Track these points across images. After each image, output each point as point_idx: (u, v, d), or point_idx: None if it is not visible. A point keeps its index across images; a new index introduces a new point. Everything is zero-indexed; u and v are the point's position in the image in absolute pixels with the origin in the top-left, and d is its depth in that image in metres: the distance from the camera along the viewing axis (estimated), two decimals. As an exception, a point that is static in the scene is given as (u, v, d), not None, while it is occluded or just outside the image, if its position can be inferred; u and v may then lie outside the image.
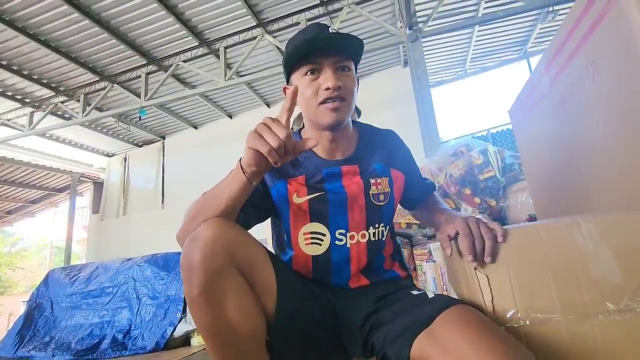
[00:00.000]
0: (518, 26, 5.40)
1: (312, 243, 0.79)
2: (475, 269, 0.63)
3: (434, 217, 0.90)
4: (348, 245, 0.79)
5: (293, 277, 0.76)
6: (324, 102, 0.74)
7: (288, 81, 0.82)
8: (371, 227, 0.81)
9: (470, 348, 0.51)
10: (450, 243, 0.69)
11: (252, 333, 0.64)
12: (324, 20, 4.50)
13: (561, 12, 4.71)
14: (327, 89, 0.73)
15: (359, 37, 0.76)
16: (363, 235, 0.80)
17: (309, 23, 4.29)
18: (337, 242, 0.79)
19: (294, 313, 0.70)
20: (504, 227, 0.64)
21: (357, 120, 0.94)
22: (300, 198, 0.78)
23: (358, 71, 0.84)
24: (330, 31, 0.77)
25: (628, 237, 0.57)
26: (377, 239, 0.81)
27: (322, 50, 0.74)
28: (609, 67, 0.82)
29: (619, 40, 0.76)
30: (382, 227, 0.83)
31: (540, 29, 5.38)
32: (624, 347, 0.54)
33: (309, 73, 0.75)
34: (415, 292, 0.74)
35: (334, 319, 0.76)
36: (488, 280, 0.62)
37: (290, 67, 0.78)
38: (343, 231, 0.79)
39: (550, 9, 4.51)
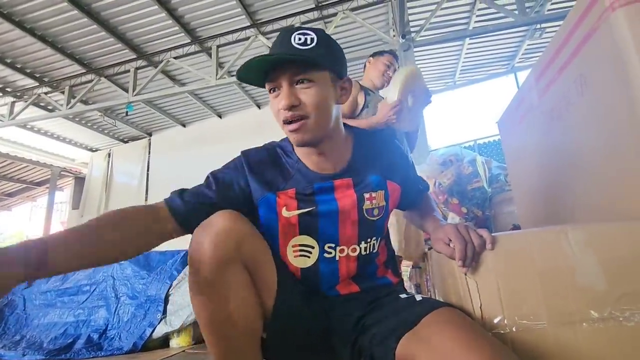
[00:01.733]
0: (507, 41, 5.55)
1: (300, 255, 0.77)
2: (465, 275, 0.63)
3: (424, 223, 0.90)
4: (337, 258, 0.77)
5: (292, 278, 0.76)
6: (284, 122, 0.70)
7: None
8: (363, 242, 0.78)
9: (456, 348, 0.52)
10: (449, 245, 0.67)
11: (249, 328, 0.65)
12: (318, 25, 4.52)
13: (548, 29, 4.86)
14: (282, 108, 0.68)
15: (329, 43, 0.71)
16: (354, 250, 0.77)
17: (304, 24, 4.31)
18: (325, 254, 0.76)
19: (290, 312, 0.70)
20: (492, 234, 0.65)
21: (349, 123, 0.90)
22: (289, 212, 0.74)
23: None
24: (293, 40, 0.69)
25: (613, 247, 0.58)
26: (368, 252, 0.79)
27: (279, 63, 0.68)
28: (598, 81, 0.85)
29: (608, 55, 0.78)
30: (375, 240, 0.80)
31: (528, 45, 5.55)
32: (607, 355, 0.55)
33: (271, 91, 0.71)
34: (403, 296, 0.74)
35: (326, 321, 0.76)
36: (477, 286, 0.62)
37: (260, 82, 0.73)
38: (332, 245, 0.76)
39: (538, 26, 4.65)
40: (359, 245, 0.77)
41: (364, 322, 0.71)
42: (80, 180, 7.92)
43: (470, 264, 0.62)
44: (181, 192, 0.75)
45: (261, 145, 0.83)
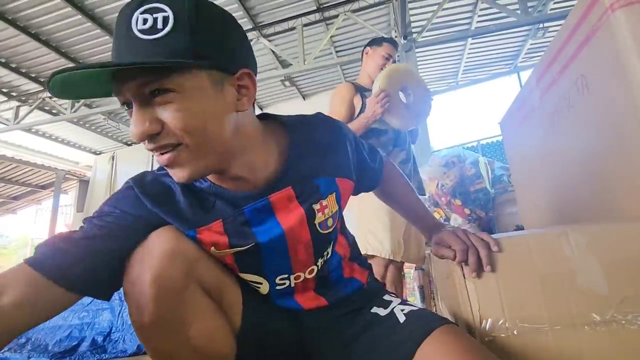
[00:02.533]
0: (509, 41, 5.53)
1: (249, 284, 0.63)
2: (464, 277, 0.63)
3: (410, 218, 0.84)
4: (292, 285, 0.64)
5: (258, 296, 0.65)
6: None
7: None
8: (320, 259, 0.65)
9: None
10: (451, 250, 0.65)
11: (221, 353, 0.56)
12: (320, 27, 4.53)
13: (551, 29, 4.84)
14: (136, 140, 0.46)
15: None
16: (311, 271, 0.64)
17: (306, 28, 4.32)
18: (278, 287, 0.63)
19: (260, 328, 0.62)
20: (493, 236, 0.65)
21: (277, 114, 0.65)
22: (220, 251, 0.56)
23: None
24: (135, 24, 0.43)
25: (615, 249, 0.58)
26: (326, 261, 0.66)
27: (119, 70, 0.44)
28: (598, 82, 0.84)
29: (609, 56, 0.78)
30: (330, 247, 0.66)
31: (531, 44, 5.52)
32: (609, 358, 0.55)
33: (125, 107, 0.47)
34: (382, 313, 0.64)
35: (298, 336, 0.67)
36: (476, 289, 0.62)
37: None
38: (285, 276, 0.62)
39: (541, 25, 4.63)
40: (316, 264, 0.64)
41: (346, 352, 0.63)
42: (84, 183, 7.99)
43: (478, 269, 0.60)
44: (60, 257, 0.49)
45: (158, 169, 0.58)
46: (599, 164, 0.89)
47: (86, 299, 2.69)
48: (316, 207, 0.60)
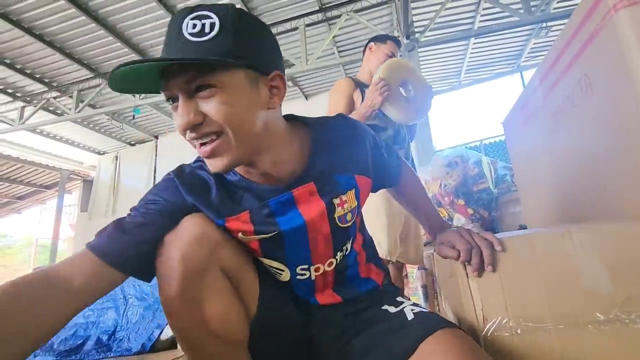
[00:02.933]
0: (512, 40, 5.51)
1: (271, 270, 0.68)
2: (467, 276, 0.63)
3: (418, 216, 0.85)
4: (313, 278, 0.68)
5: (275, 281, 0.69)
6: (193, 144, 0.55)
7: None
8: (339, 253, 0.68)
9: None
10: (455, 250, 0.65)
11: (234, 339, 0.59)
12: (322, 27, 4.54)
13: (554, 28, 4.82)
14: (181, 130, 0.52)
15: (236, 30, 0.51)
16: (330, 264, 0.68)
17: (308, 28, 4.33)
18: (298, 277, 0.67)
19: (274, 318, 0.65)
20: (497, 235, 0.65)
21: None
22: (247, 237, 0.62)
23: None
24: (186, 27, 0.50)
25: (619, 248, 0.58)
26: (344, 255, 0.70)
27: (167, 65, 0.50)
28: (602, 81, 0.84)
29: (612, 56, 0.78)
30: (349, 242, 0.70)
31: (534, 43, 5.50)
32: (613, 358, 0.55)
33: (169, 101, 0.53)
34: (392, 310, 0.66)
35: (308, 330, 0.70)
36: (479, 288, 0.62)
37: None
38: (305, 266, 0.66)
39: (544, 24, 4.61)
40: (335, 258, 0.68)
41: (345, 347, 0.65)
42: (88, 183, 8.04)
43: (481, 268, 0.61)
44: (115, 243, 0.56)
45: (195, 161, 0.66)
46: (602, 164, 0.89)
47: (91, 298, 2.70)
48: (336, 201, 0.64)
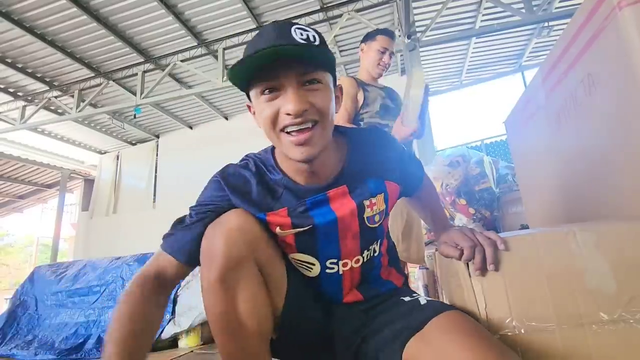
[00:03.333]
0: (514, 40, 5.50)
1: (300, 267, 0.73)
2: (470, 276, 0.63)
3: (427, 219, 0.89)
4: (340, 272, 0.73)
5: (301, 278, 0.73)
6: (286, 130, 0.60)
7: (249, 97, 0.66)
8: (365, 251, 0.74)
9: (461, 353, 0.51)
10: (457, 249, 0.66)
11: (260, 329, 0.63)
12: (323, 26, 4.53)
13: (556, 27, 4.80)
14: (289, 114, 0.58)
15: (323, 40, 0.63)
16: (357, 261, 0.73)
17: (309, 26, 4.32)
18: (327, 270, 0.72)
19: (298, 314, 0.69)
20: (500, 234, 0.64)
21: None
22: (284, 231, 0.69)
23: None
24: (294, 33, 0.59)
25: (623, 248, 0.57)
26: (371, 257, 0.76)
27: (281, 61, 0.57)
28: (605, 80, 0.84)
29: (616, 54, 0.77)
30: (376, 244, 0.76)
31: (536, 43, 5.49)
32: (617, 358, 0.54)
33: (265, 92, 0.60)
34: (407, 299, 0.72)
35: (330, 326, 0.75)
36: (482, 288, 0.62)
37: (245, 82, 0.63)
38: (334, 260, 0.72)
39: (546, 24, 4.60)
40: (362, 255, 0.74)
41: (367, 330, 0.70)
42: (89, 182, 8.04)
43: (483, 267, 0.61)
44: (180, 241, 0.69)
45: (240, 161, 0.75)
46: (606, 163, 0.88)
47: (91, 297, 2.70)
48: (366, 203, 0.70)
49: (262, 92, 0.60)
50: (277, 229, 0.68)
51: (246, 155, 0.75)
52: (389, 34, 1.65)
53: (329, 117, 0.61)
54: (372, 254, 0.76)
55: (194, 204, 0.72)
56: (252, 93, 0.63)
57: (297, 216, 0.68)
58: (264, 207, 0.68)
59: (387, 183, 0.73)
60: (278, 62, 0.57)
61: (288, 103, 0.58)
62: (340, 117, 1.52)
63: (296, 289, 0.70)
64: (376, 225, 0.73)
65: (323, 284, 0.74)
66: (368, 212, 0.71)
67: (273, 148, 0.73)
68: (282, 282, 0.68)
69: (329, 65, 0.63)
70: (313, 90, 0.60)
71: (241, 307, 0.60)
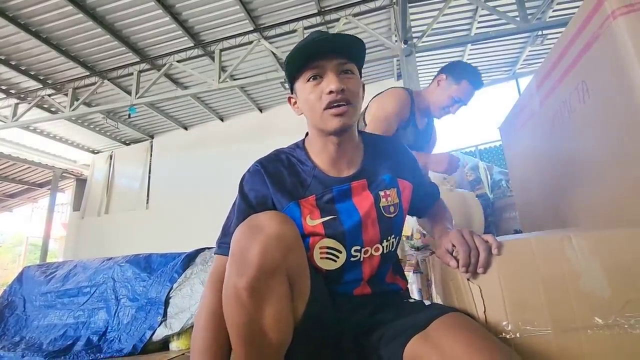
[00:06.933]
0: (508, 47, 5.57)
1: (327, 258, 0.76)
2: (468, 280, 0.63)
3: (433, 229, 0.91)
4: (361, 260, 0.77)
5: (320, 281, 0.74)
6: (328, 106, 0.72)
7: (292, 90, 0.81)
8: (384, 240, 0.79)
9: (464, 351, 0.52)
10: (453, 255, 0.68)
11: (280, 340, 0.62)
12: (320, 30, 4.55)
13: (550, 36, 4.88)
14: (331, 92, 0.70)
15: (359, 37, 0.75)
16: (377, 249, 0.78)
17: (306, 31, 4.34)
18: (352, 258, 0.77)
19: (318, 317, 0.69)
20: (497, 239, 0.65)
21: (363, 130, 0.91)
22: (313, 220, 0.75)
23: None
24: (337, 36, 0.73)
25: (617, 253, 0.58)
26: (389, 250, 0.80)
27: (323, 53, 0.72)
28: (599, 88, 0.85)
29: (610, 63, 0.78)
30: (394, 238, 0.81)
31: (530, 51, 5.57)
32: (611, 363, 0.55)
33: (311, 79, 0.73)
34: (412, 300, 0.77)
35: (340, 322, 0.75)
36: (481, 291, 0.62)
37: (292, 75, 0.77)
38: (358, 247, 0.77)
39: (540, 32, 4.67)
40: (381, 244, 0.78)
41: (371, 323, 0.72)
42: (81, 182, 7.95)
43: (474, 271, 0.62)
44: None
45: (271, 152, 0.85)
46: (599, 169, 0.89)
47: (81, 298, 2.65)
48: (381, 194, 0.79)
49: (308, 80, 0.73)
50: (307, 219, 0.75)
51: (276, 150, 0.85)
52: (477, 85, 1.49)
53: (359, 101, 0.75)
54: (390, 247, 0.81)
55: (237, 199, 0.79)
56: (298, 84, 0.76)
57: (324, 207, 0.76)
58: (296, 195, 0.76)
59: (399, 180, 0.82)
60: (320, 55, 0.72)
61: (331, 83, 0.71)
62: (378, 127, 1.43)
63: (317, 292, 0.70)
64: (391, 215, 0.79)
65: (345, 275, 0.77)
66: (383, 202, 0.79)
67: (303, 142, 0.84)
68: (306, 287, 0.67)
69: (360, 59, 0.77)
70: (348, 78, 0.73)
71: (267, 319, 0.59)
